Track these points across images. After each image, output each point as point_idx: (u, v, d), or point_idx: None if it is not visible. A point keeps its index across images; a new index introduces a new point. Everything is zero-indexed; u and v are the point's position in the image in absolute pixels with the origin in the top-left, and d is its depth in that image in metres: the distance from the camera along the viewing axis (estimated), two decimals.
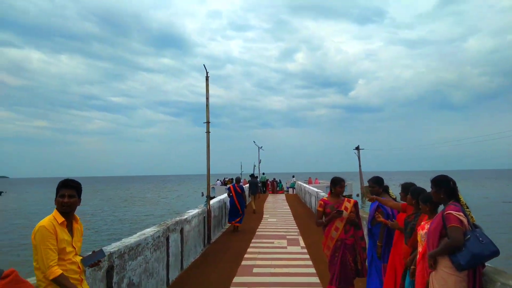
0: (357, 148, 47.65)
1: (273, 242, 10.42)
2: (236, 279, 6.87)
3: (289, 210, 19.56)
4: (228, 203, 14.33)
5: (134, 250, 5.06)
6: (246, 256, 8.74)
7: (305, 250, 9.35)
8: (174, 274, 6.96)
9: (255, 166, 46.22)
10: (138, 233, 5.81)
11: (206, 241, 10.15)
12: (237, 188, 13.03)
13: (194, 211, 9.07)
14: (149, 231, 6.06)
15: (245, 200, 13.80)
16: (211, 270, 7.57)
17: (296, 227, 13.34)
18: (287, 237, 11.36)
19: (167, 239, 6.65)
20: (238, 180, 13.79)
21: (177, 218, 7.64)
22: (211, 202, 11.82)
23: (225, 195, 15.25)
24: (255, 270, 7.51)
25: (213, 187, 47.07)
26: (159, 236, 6.14)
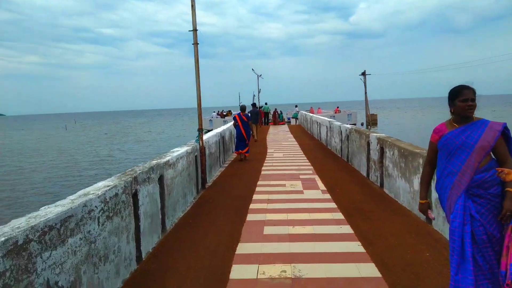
0: (363, 74, 44.58)
1: (284, 185, 8.25)
2: (241, 248, 4.73)
3: (296, 143, 17.37)
4: (226, 136, 12.27)
5: (59, 229, 2.80)
6: (252, 206, 6.59)
7: (328, 196, 7.19)
8: (151, 243, 4.81)
9: (254, 95, 43.56)
10: (78, 193, 3.52)
11: (199, 187, 7.97)
12: (243, 117, 12.27)
13: (180, 150, 6.75)
14: (98, 187, 3.76)
15: (251, 128, 12.76)
16: (205, 231, 5.42)
17: (309, 163, 11.18)
18: (301, 176, 9.19)
19: (134, 195, 4.39)
20: (243, 108, 12.75)
21: (153, 162, 5.32)
22: (206, 136, 9.49)
23: (223, 127, 13.09)
24: (266, 230, 5.36)
25: (210, 120, 44.89)
26: (116, 195, 3.85)
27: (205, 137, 9.20)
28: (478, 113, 3.09)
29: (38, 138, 57.51)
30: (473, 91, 2.98)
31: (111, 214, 3.72)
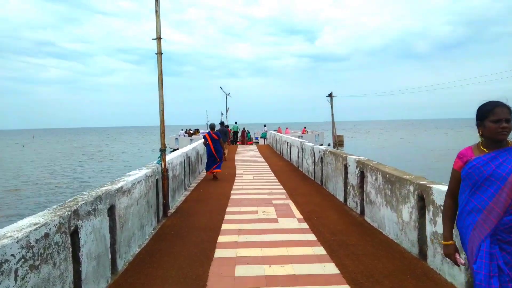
0: (330, 95, 45.01)
1: (256, 212, 7.47)
2: None
3: (266, 164, 16.68)
4: (192, 157, 11.46)
5: None
6: (220, 239, 5.75)
7: (305, 225, 6.47)
8: None
9: (222, 114, 42.85)
10: None
11: (160, 215, 7.05)
12: (213, 135, 11.97)
13: (138, 174, 5.84)
14: (20, 227, 2.85)
15: (222, 146, 12.28)
16: (164, 274, 4.52)
17: (281, 186, 10.47)
18: (274, 202, 8.45)
19: (74, 233, 3.49)
20: (212, 127, 12.52)
21: (101, 190, 4.41)
22: (170, 157, 8.62)
23: (189, 147, 12.25)
24: (238, 270, 4.54)
25: (176, 138, 43.62)
26: (46, 236, 2.96)
27: (168, 157, 8.32)
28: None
29: None
30: (508, 109, 2.37)
31: (37, 263, 2.81)
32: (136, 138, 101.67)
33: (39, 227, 2.89)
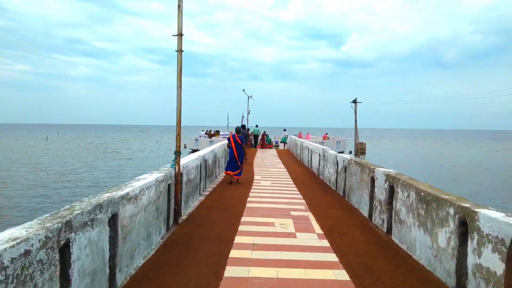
0: (355, 101, 44.06)
1: (273, 224, 6.95)
2: None
3: (285, 170, 16.13)
4: (209, 160, 11.10)
5: None
6: (232, 254, 5.27)
7: (326, 242, 5.91)
8: None
9: (243, 117, 42.47)
10: None
11: (171, 222, 6.62)
12: (237, 138, 11.84)
13: (148, 178, 5.41)
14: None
15: (245, 151, 12.16)
16: None
17: (300, 196, 9.91)
18: (292, 213, 7.91)
19: (65, 247, 3.07)
20: (238, 130, 12.41)
21: (103, 197, 3.99)
22: (185, 160, 8.21)
23: (207, 149, 11.83)
24: None
25: (196, 139, 43.52)
26: (27, 253, 2.53)
27: (184, 161, 7.91)
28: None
29: (11, 148, 55.23)
30: None
31: (12, 286, 2.39)
32: (159, 137, 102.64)
33: (18, 243, 2.46)
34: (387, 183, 6.60)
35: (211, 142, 35.29)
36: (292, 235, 6.28)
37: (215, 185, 11.43)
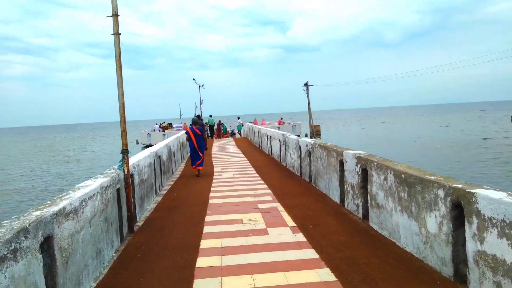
0: (306, 85, 44.16)
1: (241, 221, 6.32)
2: None
3: (245, 159, 15.53)
4: (164, 155, 10.29)
5: None
6: (199, 263, 4.58)
7: (302, 237, 5.38)
8: None
9: (196, 107, 41.34)
10: None
11: (125, 231, 5.79)
12: (196, 130, 11.61)
13: (91, 186, 4.55)
14: None
15: (205, 142, 11.97)
16: None
17: (265, 186, 9.35)
18: (259, 206, 7.33)
19: None
20: (195, 121, 12.14)
21: (31, 216, 3.14)
22: (136, 158, 7.34)
23: (160, 144, 10.96)
24: None
25: (149, 134, 41.86)
26: None
27: (134, 159, 7.05)
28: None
29: None
30: None
31: None
32: (109, 134, 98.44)
33: None
34: (358, 166, 6.15)
35: (165, 136, 33.94)
36: (264, 232, 5.69)
37: (172, 182, 10.60)
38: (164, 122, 47.49)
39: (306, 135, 45.54)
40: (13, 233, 2.72)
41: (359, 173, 6.12)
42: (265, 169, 12.22)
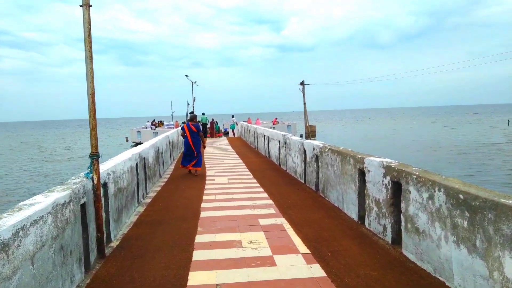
0: (302, 84, 43.07)
1: (239, 243, 5.10)
2: None
3: (240, 161, 14.31)
4: (150, 157, 9.09)
5: None
6: None
7: (318, 268, 4.18)
8: None
9: (188, 104, 40.05)
10: None
11: (93, 258, 4.52)
12: (192, 127, 11.03)
13: (37, 205, 3.29)
14: None
15: (202, 140, 11.31)
16: None
17: (265, 194, 8.15)
18: (261, 221, 6.11)
19: None
20: (192, 117, 11.52)
21: None
22: (113, 162, 6.08)
23: (145, 145, 9.70)
24: None
25: (138, 131, 40.50)
26: None
27: (109, 164, 5.79)
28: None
29: None
30: None
31: None
32: (102, 131, 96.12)
33: None
34: (388, 177, 4.96)
35: (155, 134, 32.57)
36: (269, 261, 4.47)
37: (159, 188, 9.34)
38: (154, 120, 46.06)
39: (301, 136, 44.47)
40: None
41: (389, 186, 4.94)
42: (264, 174, 11.00)
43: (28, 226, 2.95)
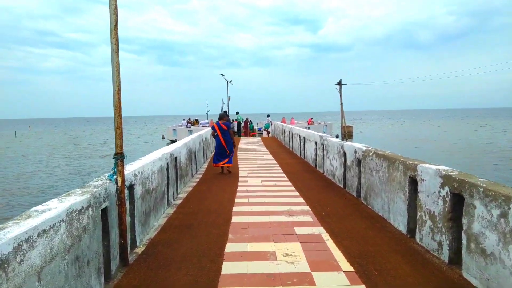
0: (339, 83, 41.94)
1: (273, 254, 4.61)
2: None
3: (274, 161, 13.81)
4: (182, 157, 8.79)
5: None
6: None
7: None
8: None
9: (223, 103, 39.94)
10: None
11: (113, 269, 4.17)
12: (222, 125, 11.07)
13: (47, 213, 2.95)
14: None
15: (233, 138, 11.27)
16: None
17: (301, 199, 7.62)
18: (297, 230, 5.60)
19: None
20: (222, 116, 11.64)
21: None
22: (141, 162, 5.76)
23: (177, 144, 9.43)
24: None
25: (174, 129, 40.85)
26: None
27: (137, 164, 5.46)
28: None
29: None
30: None
31: None
32: (141, 127, 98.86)
33: None
34: (446, 188, 4.31)
35: (190, 132, 32.66)
36: (308, 279, 3.95)
37: (190, 188, 9.02)
38: (189, 118, 46.35)
39: (337, 136, 43.40)
40: None
41: (447, 198, 4.29)
42: (299, 176, 10.45)
43: (34, 237, 2.59)
